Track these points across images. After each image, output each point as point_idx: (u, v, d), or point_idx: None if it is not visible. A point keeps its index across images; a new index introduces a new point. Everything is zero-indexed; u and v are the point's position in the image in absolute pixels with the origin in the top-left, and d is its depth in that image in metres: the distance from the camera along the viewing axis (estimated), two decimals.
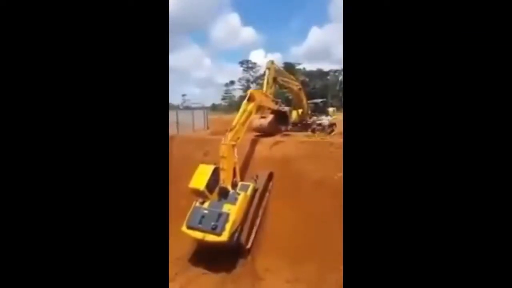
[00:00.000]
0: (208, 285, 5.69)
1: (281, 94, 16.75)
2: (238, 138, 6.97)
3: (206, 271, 6.04)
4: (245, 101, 7.65)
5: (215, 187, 6.33)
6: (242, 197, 6.32)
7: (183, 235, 6.63)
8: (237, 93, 53.96)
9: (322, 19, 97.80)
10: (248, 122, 7.54)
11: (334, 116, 12.79)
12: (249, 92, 8.11)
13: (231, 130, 6.88)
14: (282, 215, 6.49)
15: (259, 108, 9.20)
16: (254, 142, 8.28)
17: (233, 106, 40.56)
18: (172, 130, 12.30)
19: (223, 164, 6.47)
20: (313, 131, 11.44)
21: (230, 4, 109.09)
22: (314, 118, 12.42)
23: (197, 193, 6.27)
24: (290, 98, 14.04)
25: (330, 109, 13.71)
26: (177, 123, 13.19)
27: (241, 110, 7.44)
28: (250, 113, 7.50)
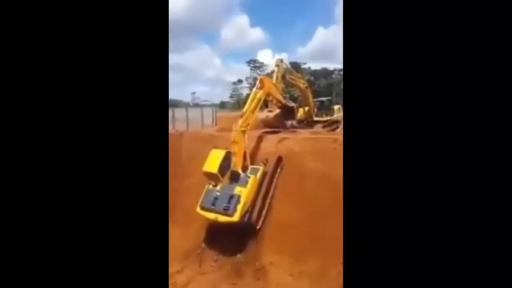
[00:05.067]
0: (214, 277, 5.90)
1: (287, 92, 16.89)
2: (248, 124, 7.26)
3: (212, 263, 6.27)
4: (254, 89, 7.93)
5: (227, 171, 6.65)
6: (252, 180, 6.64)
7: (189, 231, 6.92)
8: (245, 91, 54.21)
9: (327, 21, 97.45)
10: (257, 109, 7.80)
11: (339, 114, 12.87)
12: (258, 78, 8.38)
13: (241, 117, 7.20)
14: (287, 209, 6.62)
15: (267, 101, 9.44)
16: (260, 139, 8.44)
17: (240, 103, 40.78)
18: (182, 127, 12.62)
19: (234, 149, 6.80)
20: (324, 127, 11.68)
21: (239, 6, 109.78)
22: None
23: (210, 176, 6.62)
24: (295, 96, 14.15)
25: (336, 107, 13.78)
26: (187, 119, 13.54)
27: (250, 97, 7.73)
28: (259, 100, 7.74)
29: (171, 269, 5.68)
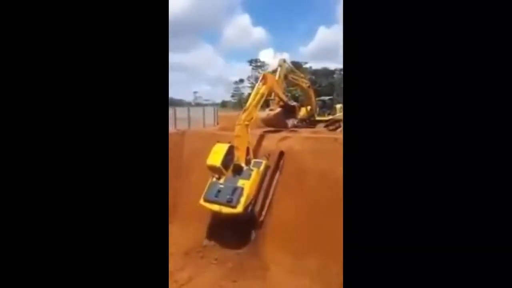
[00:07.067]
0: (216, 275, 5.94)
1: (288, 91, 16.97)
2: (251, 118, 7.38)
3: (213, 261, 6.31)
4: (257, 84, 8.09)
5: (230, 164, 6.74)
6: (255, 173, 6.76)
7: (191, 228, 6.97)
8: (246, 90, 54.45)
9: (329, 20, 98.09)
10: (260, 104, 7.93)
11: (341, 113, 12.89)
12: (262, 74, 8.55)
13: (244, 111, 7.32)
14: (287, 208, 6.68)
15: (269, 100, 9.53)
16: (261, 137, 8.48)
17: (242, 103, 40.99)
18: (184, 126, 12.70)
19: (237, 143, 6.91)
20: (326, 126, 11.75)
21: (241, 5, 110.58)
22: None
23: (213, 169, 6.70)
24: (296, 96, 14.18)
25: (338, 106, 13.80)
26: (189, 118, 13.64)
27: (253, 92, 7.91)
28: (262, 96, 7.85)
29: (173, 267, 5.73)
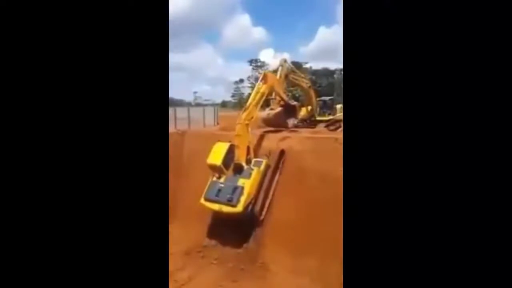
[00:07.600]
0: (216, 275, 5.94)
1: (289, 91, 17.01)
2: (252, 117, 7.39)
3: (213, 261, 6.31)
4: (258, 83, 8.15)
5: (231, 163, 6.76)
6: (255, 172, 6.76)
7: (191, 228, 6.97)
8: (246, 90, 54.56)
9: (329, 20, 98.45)
10: (260, 103, 7.95)
11: (342, 113, 12.91)
12: (263, 73, 8.58)
13: (244, 110, 7.33)
14: (288, 208, 6.68)
15: (269, 100, 9.59)
16: (261, 137, 8.48)
17: (242, 103, 41.06)
18: (183, 126, 12.73)
19: (238, 142, 6.91)
20: (327, 126, 11.77)
21: (241, 5, 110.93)
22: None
23: (214, 168, 6.72)
24: (297, 96, 14.22)
25: (338, 106, 13.81)
26: (189, 118, 13.68)
27: (254, 91, 7.96)
28: (262, 94, 7.87)
29: (173, 267, 5.73)
